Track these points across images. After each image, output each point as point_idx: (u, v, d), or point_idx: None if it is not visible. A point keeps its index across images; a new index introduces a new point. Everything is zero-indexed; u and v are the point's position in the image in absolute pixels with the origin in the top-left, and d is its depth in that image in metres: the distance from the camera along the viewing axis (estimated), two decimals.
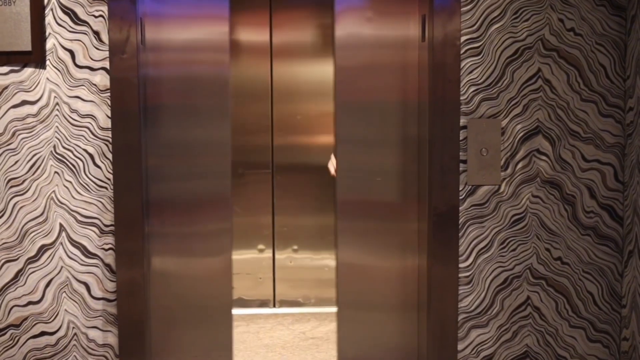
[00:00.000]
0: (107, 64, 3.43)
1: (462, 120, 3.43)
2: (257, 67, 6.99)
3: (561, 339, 3.56)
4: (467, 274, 3.51)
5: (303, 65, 6.96)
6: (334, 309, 6.80)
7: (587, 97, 3.46)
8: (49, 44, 3.43)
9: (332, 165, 5.85)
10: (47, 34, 3.43)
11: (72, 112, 3.45)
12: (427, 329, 3.55)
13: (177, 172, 3.62)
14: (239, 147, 6.32)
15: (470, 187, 3.47)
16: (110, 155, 3.46)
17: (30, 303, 3.53)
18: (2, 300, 3.51)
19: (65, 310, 3.53)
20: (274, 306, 6.97)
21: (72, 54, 3.43)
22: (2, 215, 3.48)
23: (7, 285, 3.51)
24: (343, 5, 3.57)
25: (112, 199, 3.46)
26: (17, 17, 3.39)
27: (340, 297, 3.76)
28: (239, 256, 7.13)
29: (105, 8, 3.41)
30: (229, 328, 3.74)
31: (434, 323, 3.51)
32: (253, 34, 6.91)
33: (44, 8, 3.41)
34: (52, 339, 3.55)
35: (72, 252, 3.51)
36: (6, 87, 3.43)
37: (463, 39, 3.41)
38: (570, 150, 3.47)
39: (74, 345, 3.55)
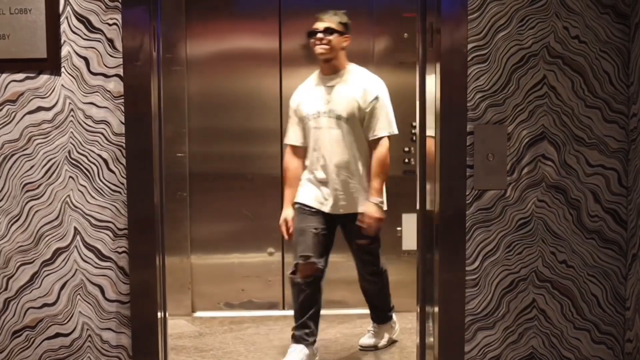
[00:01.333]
0: (120, 71, 3.42)
1: (469, 126, 3.42)
2: (266, 77, 7.00)
3: (566, 340, 3.54)
4: (474, 276, 3.49)
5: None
6: (341, 311, 6.80)
7: (591, 104, 3.44)
8: (64, 51, 3.42)
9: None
10: (62, 41, 3.42)
11: (86, 118, 3.44)
12: (435, 330, 3.54)
13: None
14: (249, 155, 6.31)
15: (476, 191, 3.45)
16: (124, 161, 3.45)
17: (45, 305, 3.52)
18: (18, 302, 3.50)
19: (80, 312, 3.52)
20: (283, 308, 6.98)
21: (86, 61, 3.43)
22: (18, 219, 3.47)
23: (23, 288, 3.50)
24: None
25: (126, 203, 3.46)
26: (33, 25, 3.39)
27: None
28: (249, 259, 7.14)
29: (119, 16, 3.40)
30: None
31: (442, 325, 3.50)
32: (263, 43, 6.92)
33: (59, 16, 3.40)
34: (66, 340, 3.54)
35: (86, 255, 3.50)
36: (22, 94, 3.42)
37: (470, 46, 3.40)
38: (575, 155, 3.46)
39: (88, 346, 3.54)
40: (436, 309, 3.53)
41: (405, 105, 6.47)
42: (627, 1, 3.41)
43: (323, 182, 5.67)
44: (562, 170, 3.46)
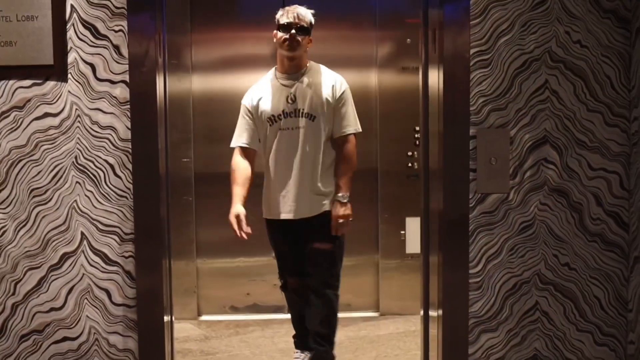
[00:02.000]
0: (127, 77, 3.42)
1: (472, 130, 3.42)
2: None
3: (569, 342, 3.53)
4: (477, 279, 3.48)
5: None
6: (346, 314, 6.79)
7: (593, 108, 3.44)
8: (71, 57, 3.42)
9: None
10: (68, 48, 3.42)
11: (93, 123, 3.44)
12: (439, 332, 3.54)
13: None
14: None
15: (479, 195, 3.45)
16: (130, 166, 3.45)
17: (52, 309, 3.52)
18: (25, 307, 3.51)
19: (87, 316, 3.52)
20: (289, 312, 6.97)
21: (92, 67, 3.43)
22: (26, 224, 3.47)
23: (30, 292, 3.50)
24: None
25: (132, 208, 3.46)
26: (39, 32, 3.39)
27: None
28: (254, 263, 7.13)
29: (125, 23, 3.41)
30: None
31: (446, 327, 3.49)
32: (266, 49, 6.91)
33: (65, 23, 3.41)
34: (74, 344, 3.54)
35: (93, 260, 3.50)
36: (29, 100, 3.43)
37: (472, 51, 3.40)
38: (577, 159, 3.45)
39: (95, 350, 3.54)
40: (440, 312, 3.53)
41: (408, 110, 6.50)
42: (628, 6, 3.41)
43: (291, 186, 5.31)
44: (564, 174, 3.46)
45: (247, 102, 5.42)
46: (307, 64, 5.37)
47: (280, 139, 5.28)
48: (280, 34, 5.25)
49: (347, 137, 5.35)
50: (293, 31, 5.18)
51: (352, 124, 5.35)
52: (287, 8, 5.30)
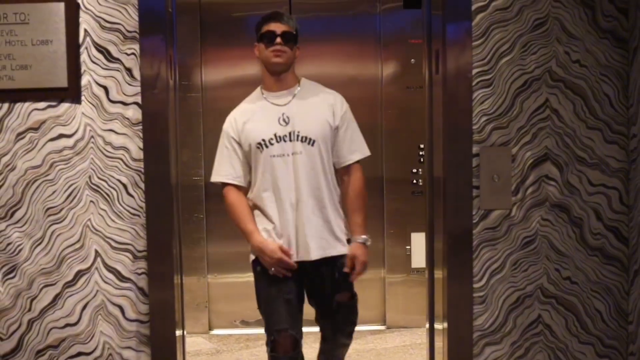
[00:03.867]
0: (139, 99, 3.44)
1: (475, 148, 3.42)
2: None
3: (571, 354, 3.53)
4: (481, 293, 3.49)
5: None
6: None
7: (592, 125, 3.44)
8: (84, 80, 3.44)
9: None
10: (82, 71, 3.44)
11: (106, 144, 3.46)
12: (445, 345, 3.53)
13: None
14: None
15: (483, 211, 3.45)
16: (142, 185, 3.46)
17: (67, 325, 3.53)
18: (41, 323, 3.52)
19: (101, 331, 3.53)
20: None
21: (106, 89, 3.45)
22: (41, 242, 3.48)
23: (46, 309, 3.51)
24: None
25: (145, 226, 3.47)
26: (54, 55, 3.41)
27: None
28: None
29: (137, 46, 3.42)
30: None
31: (451, 340, 3.49)
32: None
33: (79, 47, 3.43)
34: (88, 359, 3.54)
35: (107, 277, 3.51)
36: (44, 122, 3.45)
37: (474, 71, 3.41)
38: (578, 175, 3.46)
39: None
40: (445, 325, 3.53)
41: (413, 128, 6.51)
42: (625, 26, 3.42)
43: (290, 224, 4.23)
44: (565, 190, 3.46)
45: (229, 127, 4.42)
46: (300, 80, 4.41)
47: (274, 168, 4.24)
48: (263, 45, 4.32)
49: (353, 166, 4.36)
50: (278, 39, 4.24)
51: (360, 149, 4.40)
52: (267, 16, 4.38)
